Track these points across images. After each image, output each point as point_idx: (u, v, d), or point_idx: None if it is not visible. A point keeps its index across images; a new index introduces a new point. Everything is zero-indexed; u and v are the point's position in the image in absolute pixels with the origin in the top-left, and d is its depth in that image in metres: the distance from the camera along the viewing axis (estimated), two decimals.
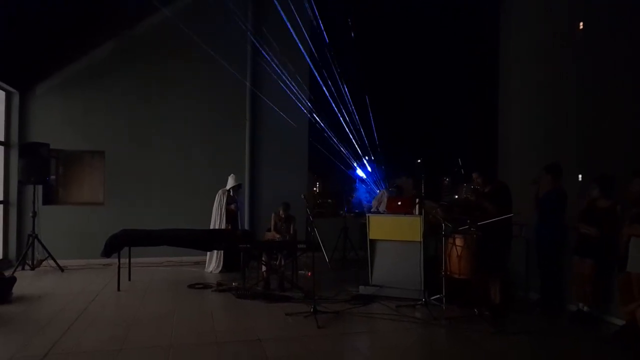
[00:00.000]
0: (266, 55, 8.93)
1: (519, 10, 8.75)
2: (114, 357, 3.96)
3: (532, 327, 5.00)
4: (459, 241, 5.36)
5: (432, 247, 6.16)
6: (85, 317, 5.11)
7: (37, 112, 8.37)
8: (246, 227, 9.04)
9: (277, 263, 6.74)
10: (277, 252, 6.70)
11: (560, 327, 5.06)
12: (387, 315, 5.31)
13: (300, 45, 9.18)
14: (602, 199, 5.19)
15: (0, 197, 8.12)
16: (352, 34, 9.12)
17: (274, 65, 8.91)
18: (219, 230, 7.68)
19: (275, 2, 8.67)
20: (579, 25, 7.39)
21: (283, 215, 7.15)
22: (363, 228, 7.24)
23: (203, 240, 7.02)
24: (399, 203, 6.39)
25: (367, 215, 6.49)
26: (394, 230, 6.18)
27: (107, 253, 6.45)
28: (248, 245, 6.48)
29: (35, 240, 7.63)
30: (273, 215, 7.27)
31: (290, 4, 8.66)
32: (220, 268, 7.77)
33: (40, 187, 7.95)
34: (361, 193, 9.46)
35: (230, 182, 7.97)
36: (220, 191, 7.99)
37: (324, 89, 9.05)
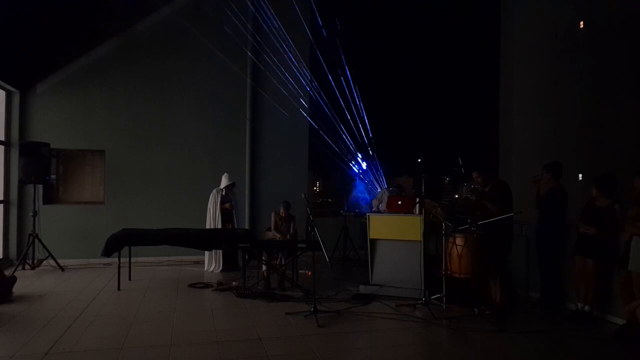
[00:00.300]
0: (267, 54, 8.93)
1: (519, 9, 8.73)
2: (115, 356, 3.96)
3: (532, 326, 5.00)
4: (459, 240, 5.35)
5: (433, 247, 6.16)
6: (86, 316, 5.12)
7: (37, 112, 8.37)
8: (246, 226, 9.05)
9: (278, 262, 6.74)
10: (277, 251, 6.70)
11: (561, 326, 5.06)
12: (387, 315, 5.32)
13: (301, 44, 9.18)
14: (600, 199, 5.19)
15: (1, 197, 8.12)
16: (353, 34, 9.11)
17: (275, 64, 8.92)
18: (220, 229, 7.68)
19: None
20: (579, 25, 7.38)
21: (283, 215, 7.15)
22: (363, 227, 7.24)
23: (203, 239, 7.02)
24: (400, 202, 6.38)
25: (367, 214, 6.49)
26: (394, 230, 6.18)
27: (107, 252, 6.46)
28: (248, 245, 6.48)
29: (36, 239, 7.64)
30: (273, 214, 7.26)
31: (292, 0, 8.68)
32: (220, 267, 7.78)
33: (40, 187, 7.96)
34: (359, 192, 9.46)
35: (224, 182, 7.97)
36: (214, 190, 8.00)
37: (325, 88, 9.06)
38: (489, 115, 9.57)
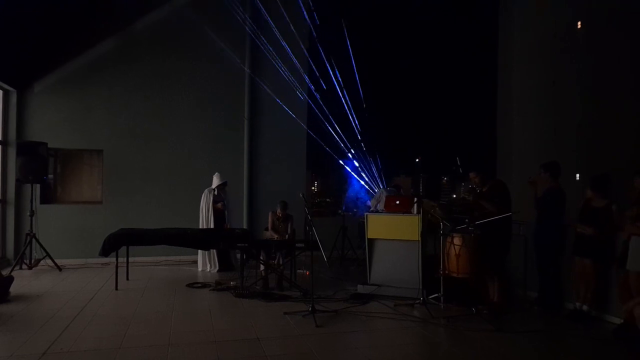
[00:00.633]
0: (266, 53, 8.92)
1: (519, 9, 8.74)
2: (113, 356, 3.95)
3: (530, 326, 5.01)
4: (457, 240, 5.35)
5: (431, 246, 6.17)
6: (84, 316, 5.11)
7: (35, 111, 8.35)
8: (244, 226, 9.05)
9: (276, 262, 6.74)
10: (275, 251, 6.70)
11: (559, 326, 5.07)
12: (385, 314, 5.32)
13: (300, 43, 9.18)
14: (596, 199, 5.20)
15: None
16: (353, 33, 9.11)
17: (274, 63, 8.91)
18: (218, 229, 7.67)
19: None
20: (578, 24, 7.38)
21: (281, 214, 7.14)
22: (361, 227, 7.24)
23: (201, 239, 7.03)
24: (398, 202, 6.39)
25: (365, 214, 6.49)
26: (392, 229, 6.19)
27: (105, 252, 6.44)
28: (246, 244, 6.47)
29: (33, 239, 7.62)
30: (270, 214, 7.26)
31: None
32: (217, 268, 7.77)
33: (38, 186, 7.94)
34: (355, 191, 9.45)
35: (216, 181, 7.97)
36: (206, 190, 7.99)
37: (324, 87, 9.06)
38: (489, 115, 9.58)
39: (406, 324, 5.01)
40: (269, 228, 7.24)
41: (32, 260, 7.70)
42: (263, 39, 8.92)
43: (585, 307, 5.18)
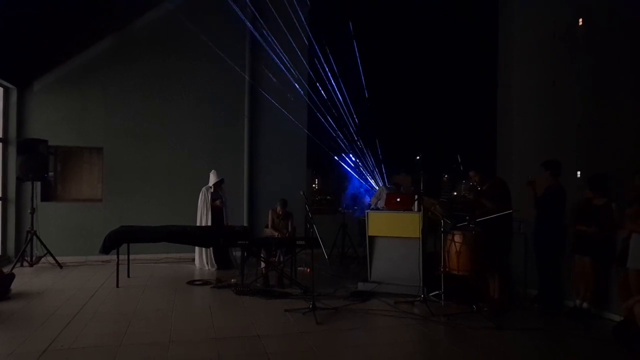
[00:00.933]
0: (265, 51, 8.91)
1: (519, 9, 8.73)
2: (113, 353, 3.96)
3: (530, 324, 5.01)
4: (457, 237, 5.36)
5: (431, 244, 6.17)
6: (84, 313, 5.11)
7: (35, 109, 8.35)
8: (245, 223, 9.06)
9: (276, 259, 6.74)
10: (276, 248, 6.70)
11: (559, 324, 5.07)
12: (385, 312, 5.33)
13: (299, 41, 9.16)
14: (596, 198, 5.20)
15: None
16: (352, 31, 9.10)
17: (273, 61, 8.90)
18: (218, 226, 7.67)
19: None
20: (578, 24, 7.37)
21: (281, 212, 7.14)
22: (362, 224, 7.25)
23: (202, 236, 7.03)
24: (398, 200, 6.39)
25: (366, 211, 6.49)
26: (393, 227, 6.19)
27: (105, 250, 6.45)
28: (247, 242, 6.48)
29: (34, 236, 7.63)
30: (270, 212, 7.26)
31: None
32: (215, 266, 7.76)
33: (38, 184, 7.94)
34: (353, 189, 9.45)
35: (213, 179, 7.97)
36: (203, 188, 7.99)
37: (324, 86, 9.05)
38: (489, 115, 9.59)
39: (406, 321, 5.02)
40: (269, 226, 7.24)
41: (33, 258, 7.71)
42: (263, 38, 8.90)
43: (585, 305, 5.18)
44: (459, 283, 5.60)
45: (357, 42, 9.05)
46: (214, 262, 7.79)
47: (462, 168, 6.03)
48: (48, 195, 8.56)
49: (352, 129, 9.26)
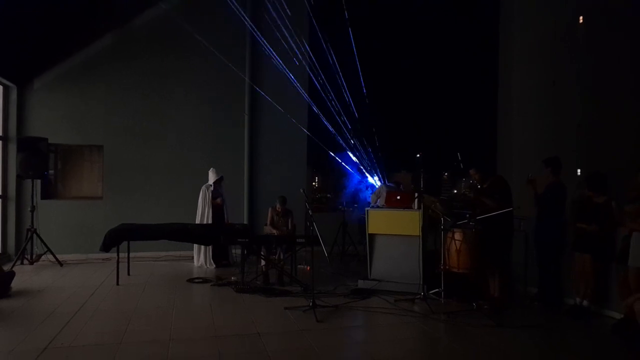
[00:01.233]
0: (265, 49, 8.89)
1: (519, 9, 8.71)
2: (114, 351, 3.96)
3: (530, 321, 5.01)
4: (458, 235, 5.36)
5: (431, 242, 6.17)
6: (85, 311, 5.12)
7: (35, 107, 8.34)
8: (245, 221, 9.05)
9: (276, 257, 6.75)
10: (276, 246, 6.70)
11: (559, 321, 5.08)
12: (385, 309, 5.33)
13: (299, 40, 9.14)
14: (596, 196, 5.20)
15: None
16: (352, 30, 9.07)
17: (273, 60, 8.88)
18: (218, 224, 7.67)
19: None
20: (579, 23, 7.36)
21: (280, 209, 7.14)
22: (362, 222, 7.24)
23: (202, 234, 7.03)
24: (398, 197, 6.39)
25: (366, 209, 6.49)
26: (393, 225, 6.19)
27: (106, 247, 6.45)
28: (247, 240, 6.48)
29: (34, 234, 7.63)
30: (270, 209, 7.26)
31: None
32: (213, 265, 7.75)
33: (38, 182, 7.94)
34: (353, 187, 9.45)
35: (212, 177, 7.96)
36: (203, 187, 7.98)
37: (324, 84, 9.02)
38: (489, 115, 9.58)
39: (407, 319, 5.02)
40: (267, 223, 7.23)
41: (33, 256, 7.71)
42: (263, 36, 8.88)
43: (585, 303, 5.18)
44: (459, 281, 5.61)
45: (357, 42, 9.03)
46: (211, 260, 7.78)
47: (462, 166, 6.03)
48: (48, 193, 8.56)
49: (352, 127, 9.25)
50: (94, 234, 7.84)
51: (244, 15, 8.81)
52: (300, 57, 9.13)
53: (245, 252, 6.61)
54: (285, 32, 8.86)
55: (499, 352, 4.18)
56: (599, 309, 5.20)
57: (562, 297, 5.60)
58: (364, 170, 9.39)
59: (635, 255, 4.46)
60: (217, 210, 7.92)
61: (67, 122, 8.49)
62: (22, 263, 7.55)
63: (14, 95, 8.19)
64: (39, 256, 7.74)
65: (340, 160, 9.37)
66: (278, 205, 7.12)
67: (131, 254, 7.07)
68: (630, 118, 6.49)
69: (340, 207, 9.24)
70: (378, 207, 6.77)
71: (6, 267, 6.44)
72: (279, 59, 8.89)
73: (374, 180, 9.20)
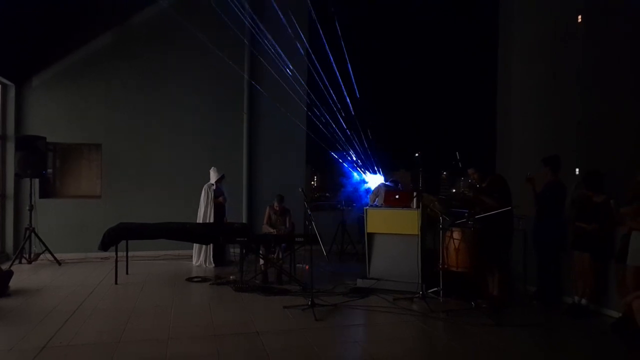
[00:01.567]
0: (264, 47, 8.87)
1: (518, 8, 8.71)
2: (112, 350, 3.95)
3: (529, 320, 5.02)
4: (456, 234, 5.36)
5: (430, 240, 6.17)
6: (83, 310, 5.11)
7: (33, 105, 8.32)
8: (244, 220, 9.05)
9: (275, 256, 6.74)
10: (274, 245, 6.70)
11: (558, 320, 5.08)
12: (384, 308, 5.33)
13: (298, 37, 9.11)
14: (595, 195, 5.20)
15: None
16: (352, 30, 9.06)
17: (272, 58, 8.87)
18: (217, 223, 7.67)
19: None
20: (577, 22, 7.37)
21: (278, 208, 7.13)
22: (361, 221, 7.24)
23: (201, 233, 7.02)
24: (397, 196, 6.39)
25: (365, 208, 6.49)
26: (392, 224, 6.19)
27: (104, 246, 6.44)
28: (246, 239, 6.47)
29: (33, 233, 7.61)
30: (268, 208, 7.25)
31: None
32: (212, 264, 7.75)
33: (37, 181, 7.94)
34: (351, 186, 9.43)
35: (214, 176, 7.96)
36: (205, 186, 7.97)
37: (323, 83, 9.01)
38: (488, 114, 9.59)
39: (405, 318, 5.02)
40: (264, 222, 7.23)
41: (32, 255, 7.70)
42: (262, 35, 8.86)
43: (584, 302, 5.19)
44: (457, 280, 5.60)
45: (357, 42, 9.02)
46: (211, 259, 7.77)
47: (461, 165, 6.03)
48: (47, 192, 8.55)
49: (352, 126, 9.24)
50: (92, 233, 7.80)
51: (243, 10, 8.77)
52: (299, 56, 9.12)
53: (244, 251, 6.61)
54: (285, 32, 8.84)
55: (498, 350, 4.18)
56: (598, 307, 5.20)
57: (561, 295, 5.61)
58: (362, 169, 9.37)
59: (633, 254, 4.47)
60: (219, 209, 7.92)
61: (65, 121, 8.47)
62: (20, 262, 7.54)
63: (12, 94, 8.18)
64: (38, 255, 7.73)
65: (338, 159, 9.35)
66: (276, 204, 7.11)
67: (130, 253, 7.06)
68: (630, 117, 6.50)
69: (339, 206, 9.24)
70: (377, 206, 6.77)
71: (4, 266, 6.43)
72: (278, 58, 8.88)
73: (371, 180, 9.19)
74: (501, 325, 4.76)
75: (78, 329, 4.46)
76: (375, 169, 9.13)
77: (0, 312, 4.99)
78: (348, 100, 9.01)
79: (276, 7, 8.70)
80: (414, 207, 6.11)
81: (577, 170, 7.13)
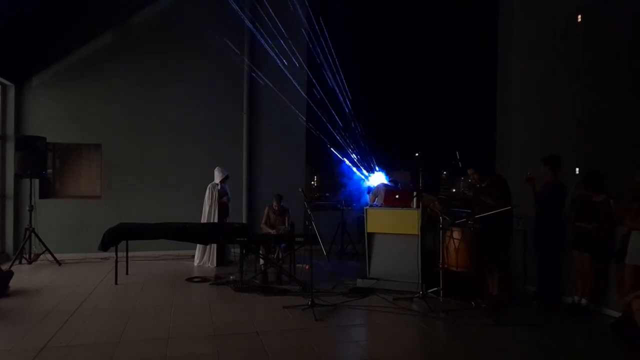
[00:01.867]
0: (265, 46, 8.87)
1: (518, 6, 8.71)
2: (112, 350, 3.95)
3: (529, 320, 5.02)
4: (456, 234, 5.36)
5: (430, 240, 6.17)
6: (83, 310, 5.11)
7: (33, 105, 8.32)
8: (244, 220, 9.04)
9: (275, 256, 6.74)
10: (274, 245, 6.70)
11: (558, 320, 5.08)
12: (384, 308, 5.33)
13: (298, 39, 9.12)
14: (595, 195, 5.20)
15: None
16: (354, 30, 9.05)
17: (273, 56, 8.86)
18: (217, 223, 7.67)
19: None
20: (578, 20, 7.37)
21: (276, 208, 7.13)
22: (361, 221, 7.24)
23: (201, 234, 7.01)
24: (397, 196, 6.39)
25: (365, 208, 6.49)
26: (392, 224, 6.19)
27: (104, 247, 6.43)
28: (246, 239, 6.47)
29: (32, 234, 7.61)
30: (267, 208, 7.25)
31: None
32: (214, 263, 7.75)
33: (37, 181, 7.93)
34: (351, 186, 9.43)
35: (218, 176, 7.96)
36: (209, 185, 7.97)
37: (324, 81, 9.01)
38: (489, 112, 9.58)
39: (405, 317, 5.02)
40: (263, 222, 7.22)
41: (32, 255, 7.70)
42: (262, 34, 8.86)
43: (584, 301, 5.19)
44: (457, 279, 5.60)
45: (357, 41, 9.02)
46: (214, 258, 7.77)
47: (460, 165, 6.03)
48: (46, 192, 8.55)
49: (352, 125, 9.23)
50: (92, 233, 7.80)
51: (243, 8, 8.76)
52: (299, 55, 9.12)
53: (244, 251, 6.61)
54: (284, 29, 8.83)
55: (498, 350, 4.18)
56: (598, 307, 5.20)
57: (561, 295, 5.61)
58: (361, 169, 9.37)
59: (632, 253, 4.47)
60: (223, 209, 7.92)
61: (65, 121, 8.47)
62: (20, 262, 7.54)
63: (11, 94, 8.17)
64: (37, 255, 7.73)
65: (338, 159, 9.35)
66: (274, 203, 7.11)
67: (130, 253, 7.06)
68: (630, 116, 6.50)
69: (339, 206, 9.24)
70: (377, 206, 6.76)
71: (4, 267, 6.43)
72: (278, 56, 8.87)
73: (371, 180, 9.18)
74: (501, 325, 4.76)
75: (78, 329, 4.46)
76: (375, 168, 9.13)
77: (0, 312, 4.99)
78: (348, 100, 9.01)
79: (275, 7, 8.71)
80: (414, 207, 6.11)
81: (577, 170, 7.13)
